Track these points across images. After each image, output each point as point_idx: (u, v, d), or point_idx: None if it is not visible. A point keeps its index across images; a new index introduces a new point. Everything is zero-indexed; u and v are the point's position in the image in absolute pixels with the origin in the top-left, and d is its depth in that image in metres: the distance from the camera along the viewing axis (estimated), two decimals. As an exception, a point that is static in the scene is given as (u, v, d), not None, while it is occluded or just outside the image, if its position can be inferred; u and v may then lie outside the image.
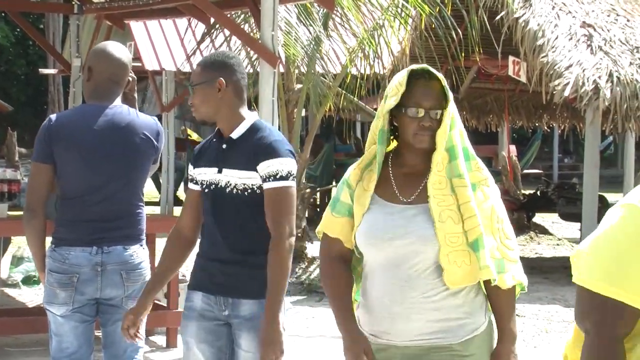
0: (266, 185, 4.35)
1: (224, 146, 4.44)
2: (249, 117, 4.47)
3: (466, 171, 3.75)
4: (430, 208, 3.71)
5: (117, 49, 5.13)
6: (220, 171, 4.43)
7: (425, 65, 3.76)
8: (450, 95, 3.73)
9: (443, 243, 3.67)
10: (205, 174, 4.47)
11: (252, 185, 4.37)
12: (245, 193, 4.39)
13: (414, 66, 3.74)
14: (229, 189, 4.41)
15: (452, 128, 3.74)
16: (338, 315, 3.84)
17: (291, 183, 4.38)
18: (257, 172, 4.34)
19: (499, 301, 3.79)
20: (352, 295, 3.90)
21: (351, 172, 3.86)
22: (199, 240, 4.65)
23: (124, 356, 5.12)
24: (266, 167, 4.34)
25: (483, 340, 3.81)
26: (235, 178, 4.40)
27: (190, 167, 4.61)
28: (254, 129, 4.45)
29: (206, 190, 4.48)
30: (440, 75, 3.72)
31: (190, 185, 4.61)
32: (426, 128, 3.69)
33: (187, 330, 4.55)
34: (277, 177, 4.33)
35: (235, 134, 4.44)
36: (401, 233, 3.71)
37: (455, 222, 3.70)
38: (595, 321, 2.73)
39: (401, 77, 3.70)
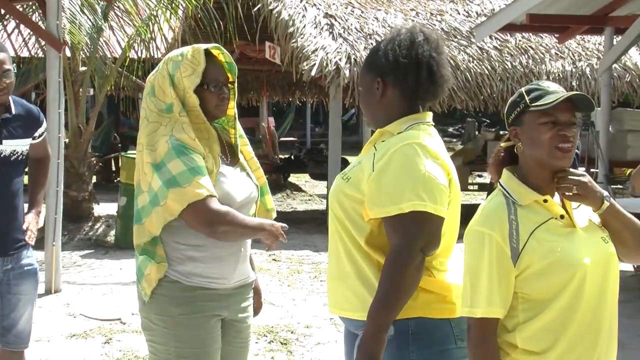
0: (39, 140, 4.64)
1: (0, 121, 4.43)
2: None
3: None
4: (245, 166, 3.78)
5: None
6: (0, 142, 4.41)
7: (216, 45, 3.70)
8: (236, 68, 3.73)
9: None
10: None
11: (27, 149, 4.53)
12: (23, 157, 4.51)
13: (206, 45, 3.67)
14: (15, 157, 4.44)
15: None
16: None
17: None
18: (32, 137, 4.55)
19: None
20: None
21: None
22: None
23: None
24: (43, 129, 4.65)
25: None
26: (20, 146, 4.47)
27: None
28: (15, 102, 4.53)
29: None
30: (227, 52, 3.71)
31: None
32: (225, 99, 3.67)
33: None
34: (44, 131, 4.70)
35: (14, 110, 4.48)
36: (247, 190, 3.73)
37: (249, 173, 3.80)
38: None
39: (197, 56, 3.59)
